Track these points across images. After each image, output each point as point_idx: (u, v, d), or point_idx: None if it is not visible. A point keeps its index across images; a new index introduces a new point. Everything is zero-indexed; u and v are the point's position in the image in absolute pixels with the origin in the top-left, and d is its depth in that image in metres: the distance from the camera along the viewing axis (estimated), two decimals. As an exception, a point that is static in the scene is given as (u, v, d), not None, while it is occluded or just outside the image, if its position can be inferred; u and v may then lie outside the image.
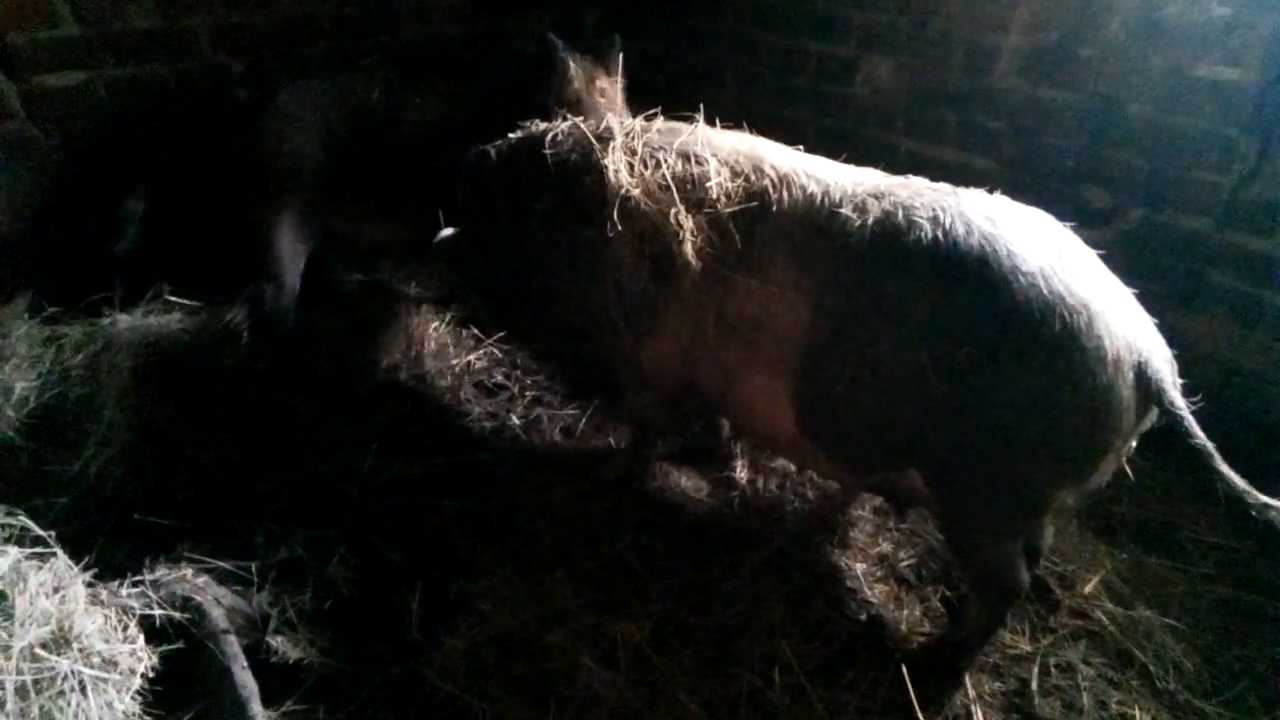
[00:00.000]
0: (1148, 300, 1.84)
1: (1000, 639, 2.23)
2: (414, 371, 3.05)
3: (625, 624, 2.21)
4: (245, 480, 2.56)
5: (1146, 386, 1.74)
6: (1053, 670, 2.18)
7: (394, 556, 2.39)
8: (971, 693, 2.11)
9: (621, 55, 2.94)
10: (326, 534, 2.39)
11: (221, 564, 2.18)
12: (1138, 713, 2.07)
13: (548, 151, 2.27)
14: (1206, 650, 2.23)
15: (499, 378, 3.11)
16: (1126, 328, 1.74)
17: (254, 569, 2.20)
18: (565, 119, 2.37)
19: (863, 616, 2.32)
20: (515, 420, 2.94)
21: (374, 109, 2.94)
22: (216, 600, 2.02)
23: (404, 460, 2.68)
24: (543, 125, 2.38)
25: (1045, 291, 1.71)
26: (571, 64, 2.80)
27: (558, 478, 2.69)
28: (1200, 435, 1.73)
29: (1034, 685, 2.13)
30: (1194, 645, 2.24)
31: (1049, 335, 1.70)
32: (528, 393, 3.07)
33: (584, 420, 2.95)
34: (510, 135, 2.42)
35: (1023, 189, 3.03)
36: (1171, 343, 1.82)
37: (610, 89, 2.91)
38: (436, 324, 3.22)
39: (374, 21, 3.46)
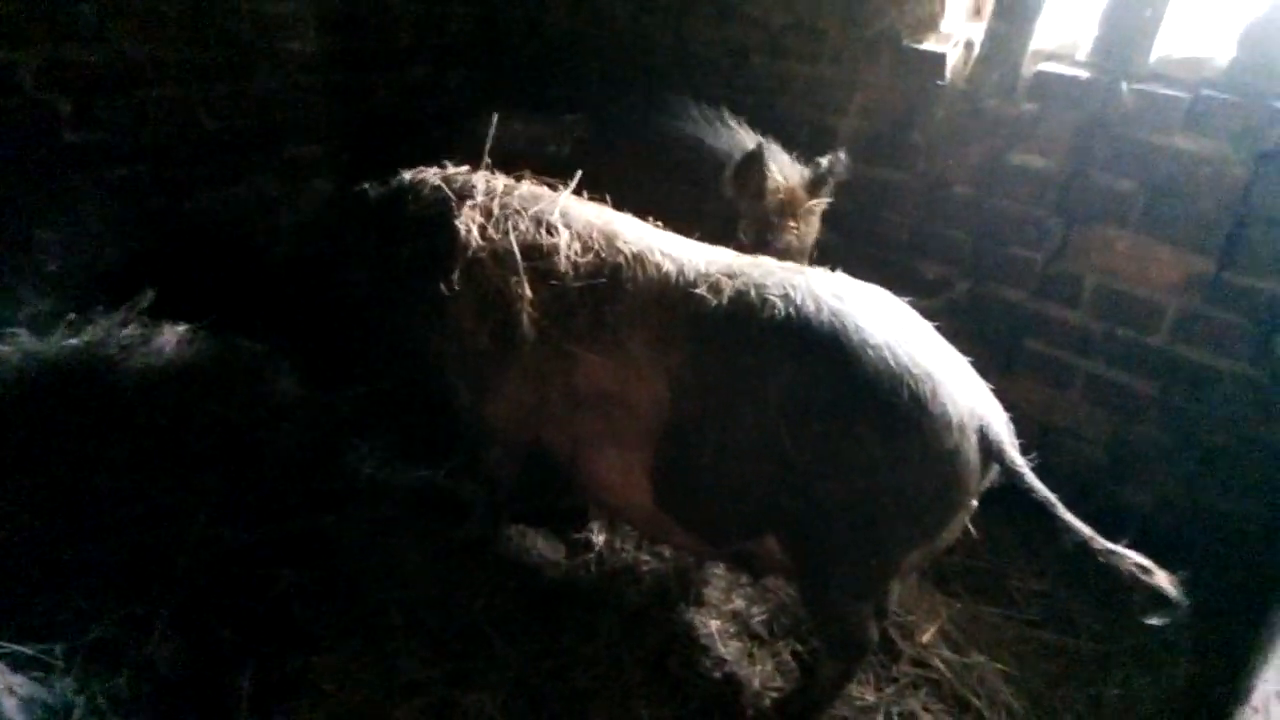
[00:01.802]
0: (974, 366, 1.98)
1: (848, 691, 2.28)
2: (251, 430, 2.87)
3: (477, 694, 2.13)
4: (52, 553, 2.31)
5: (988, 447, 1.85)
6: (896, 719, 2.26)
7: (224, 632, 2.21)
8: (822, 747, 2.15)
9: (831, 178, 2.79)
10: (146, 610, 2.19)
11: (19, 648, 1.95)
12: (974, 757, 2.17)
13: (410, 203, 2.28)
14: (1033, 692, 2.37)
15: (347, 436, 2.97)
16: (967, 394, 1.85)
17: (58, 652, 1.98)
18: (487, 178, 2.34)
19: (717, 675, 2.33)
20: (362, 482, 2.81)
21: (561, 166, 2.86)
22: (10, 689, 1.80)
23: (237, 527, 2.50)
24: (414, 174, 2.37)
25: (893, 363, 1.79)
26: (771, 177, 2.70)
27: (407, 543, 2.58)
28: (1042, 489, 1.83)
29: (880, 736, 2.20)
30: (1022, 688, 2.38)
31: (899, 404, 1.78)
32: (377, 453, 2.94)
33: (436, 481, 2.86)
34: (393, 179, 2.41)
35: (864, 261, 3.24)
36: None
37: (810, 205, 2.78)
38: (279, 378, 3.06)
39: (224, 68, 3.33)
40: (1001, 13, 2.87)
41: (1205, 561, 2.67)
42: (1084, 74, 2.77)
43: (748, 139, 2.86)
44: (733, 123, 2.95)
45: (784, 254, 2.65)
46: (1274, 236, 2.54)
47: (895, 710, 2.27)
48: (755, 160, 2.67)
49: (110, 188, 3.17)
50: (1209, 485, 2.80)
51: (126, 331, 2.95)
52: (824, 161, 2.78)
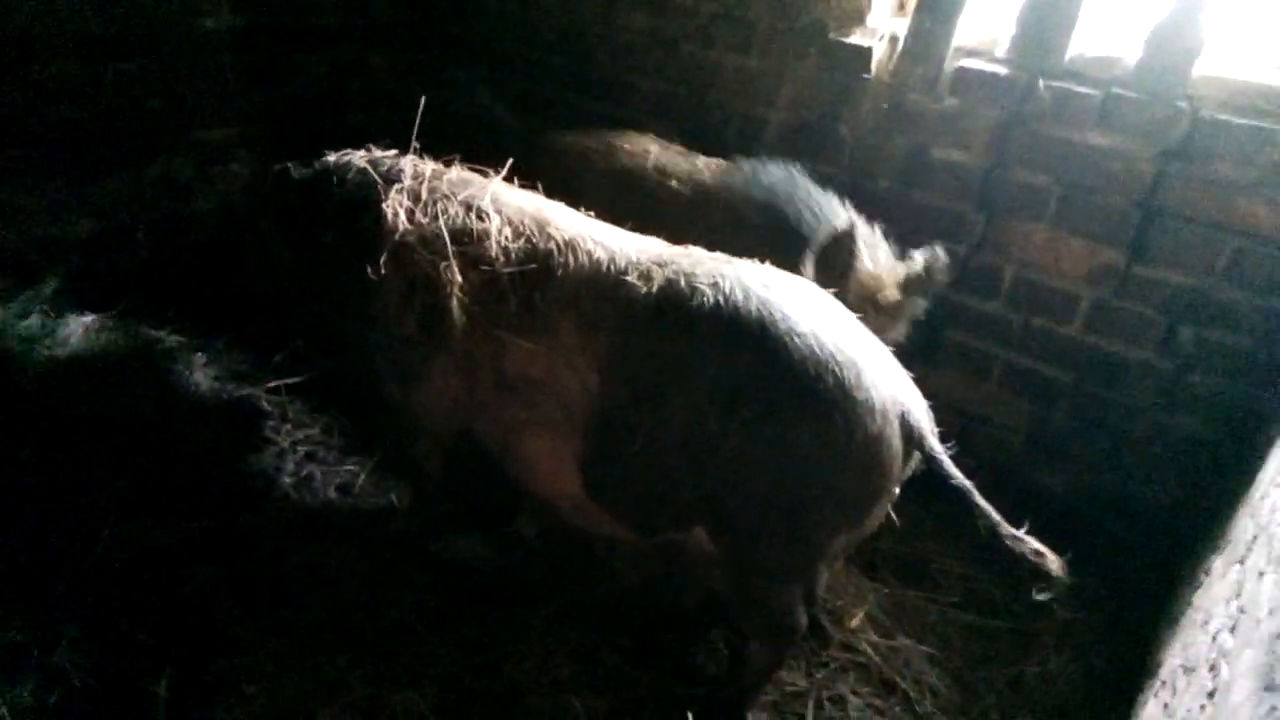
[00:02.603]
0: (897, 355, 2.01)
1: (779, 677, 2.32)
2: (165, 425, 2.75)
3: (406, 693, 2.10)
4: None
5: (910, 434, 1.89)
6: (826, 704, 2.30)
7: (139, 636, 2.12)
8: (754, 733, 2.18)
9: (930, 270, 2.50)
10: (54, 615, 2.08)
11: (-89, 659, 1.84)
12: (900, 738, 2.22)
13: (335, 186, 2.23)
14: (956, 673, 2.44)
15: (266, 432, 2.88)
16: (889, 382, 1.89)
17: (-44, 661, 1.87)
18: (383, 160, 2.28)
19: (650, 665, 2.33)
20: (285, 478, 2.72)
21: (643, 179, 2.75)
22: (-98, 703, 1.69)
23: (152, 526, 2.40)
24: (338, 158, 2.32)
25: (818, 350, 1.82)
26: (860, 262, 2.49)
27: (333, 539, 2.52)
28: (959, 476, 1.89)
29: (810, 719, 2.23)
30: (946, 668, 2.45)
31: (824, 390, 1.80)
32: (299, 448, 2.85)
33: (362, 477, 2.79)
34: (317, 161, 2.34)
35: (792, 251, 3.24)
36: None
37: (893, 300, 2.51)
38: (193, 370, 2.94)
39: (126, 43, 3.16)
40: (924, 8, 2.92)
41: (1117, 543, 2.81)
42: (1003, 70, 2.84)
43: (840, 220, 2.63)
44: (836, 203, 2.74)
45: None
46: (1179, 231, 2.65)
47: (825, 695, 2.31)
48: (845, 240, 2.48)
49: (7, 171, 2.99)
50: (1120, 471, 2.92)
51: (27, 322, 2.81)
52: (919, 257, 2.52)
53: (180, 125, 3.41)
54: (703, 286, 1.92)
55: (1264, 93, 2.52)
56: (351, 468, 2.83)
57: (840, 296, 2.31)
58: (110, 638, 2.09)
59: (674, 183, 2.83)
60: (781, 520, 1.93)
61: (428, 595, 2.39)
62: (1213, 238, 2.61)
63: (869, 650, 2.45)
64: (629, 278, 2.00)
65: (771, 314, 1.87)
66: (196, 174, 3.50)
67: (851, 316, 2.00)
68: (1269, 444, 2.10)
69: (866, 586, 2.68)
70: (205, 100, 3.44)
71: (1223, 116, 2.53)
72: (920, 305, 2.62)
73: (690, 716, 2.07)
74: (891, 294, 2.51)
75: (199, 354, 2.98)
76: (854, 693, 2.33)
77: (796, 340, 1.83)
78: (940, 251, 2.52)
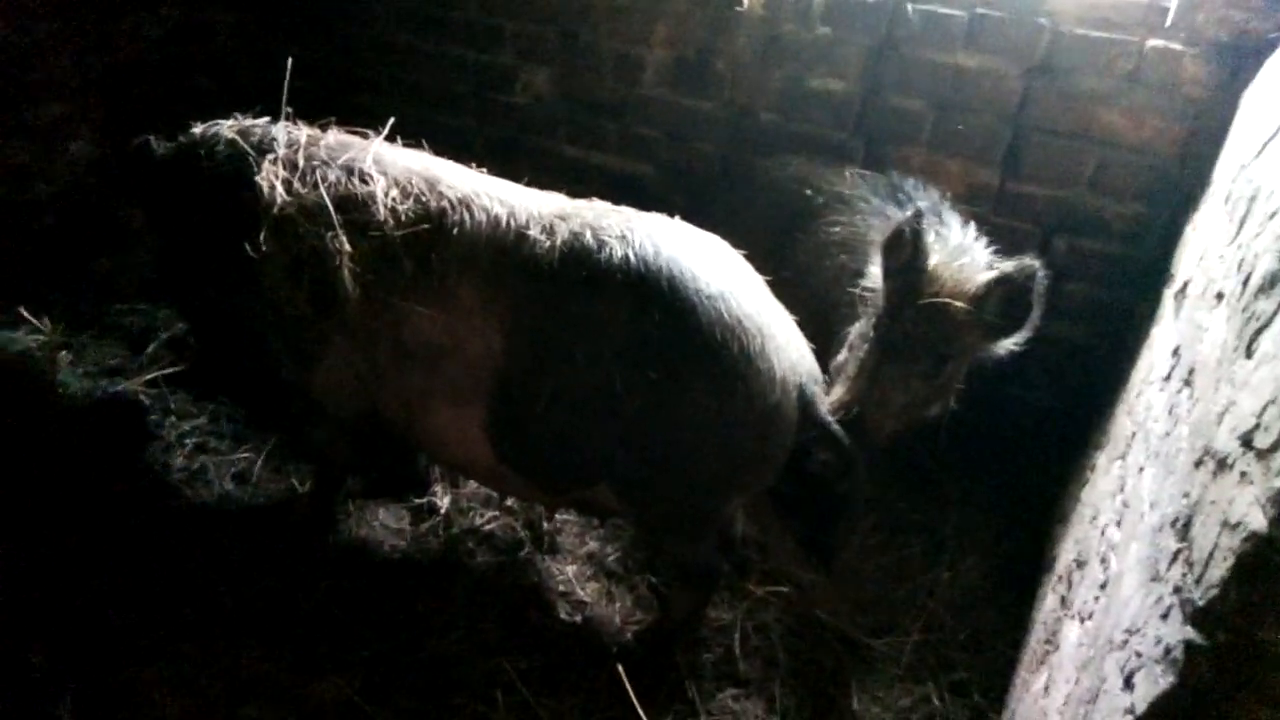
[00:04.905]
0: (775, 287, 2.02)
1: (705, 613, 2.36)
2: (35, 432, 2.56)
3: (331, 680, 2.05)
4: None
5: (805, 405, 1.93)
6: (751, 634, 2.35)
7: (32, 658, 1.99)
8: (684, 669, 2.21)
9: (1012, 283, 2.02)
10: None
11: None
12: (824, 659, 2.30)
13: (204, 161, 2.09)
14: (874, 594, 2.51)
15: (149, 427, 2.71)
16: (791, 351, 1.91)
17: None
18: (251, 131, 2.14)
19: (578, 618, 2.35)
20: (175, 474, 2.58)
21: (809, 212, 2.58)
22: None
23: (33, 541, 2.24)
24: (204, 129, 2.17)
25: (726, 315, 1.81)
26: (934, 253, 2.10)
27: (235, 532, 2.41)
28: (848, 443, 1.98)
29: (737, 650, 2.28)
30: (864, 592, 2.52)
31: (728, 356, 1.80)
32: (187, 440, 2.70)
33: (259, 463, 2.67)
34: (181, 135, 2.19)
35: (680, 191, 3.25)
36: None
37: (955, 309, 2.06)
38: (59, 370, 2.72)
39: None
40: (792, -64, 2.90)
41: (1011, 448, 2.94)
42: (872, -4, 2.86)
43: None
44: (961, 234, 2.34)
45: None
46: (1047, 145, 2.75)
47: (750, 625, 2.36)
48: (909, 231, 2.05)
49: None
50: (1009, 379, 3.05)
51: None
52: (1009, 267, 2.04)
53: (7, 106, 3.10)
54: (610, 239, 1.88)
55: (1115, 5, 2.60)
56: (246, 455, 2.70)
57: (911, 300, 2.07)
58: (1, 666, 1.96)
59: (808, 190, 2.64)
60: (677, 480, 1.94)
61: (342, 578, 2.33)
62: (1078, 149, 2.72)
63: (788, 581, 2.50)
64: (531, 232, 1.94)
65: (681, 272, 1.83)
66: (35, 157, 3.21)
67: (759, 280, 1.99)
68: (1141, 344, 2.23)
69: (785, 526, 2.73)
70: (30, 75, 3.13)
71: (1080, 30, 2.61)
72: (1005, 341, 2.13)
73: (620, 667, 2.09)
74: (951, 294, 2.06)
75: (62, 352, 2.77)
76: (777, 621, 2.39)
77: (705, 302, 1.81)
78: (1034, 265, 2.00)
